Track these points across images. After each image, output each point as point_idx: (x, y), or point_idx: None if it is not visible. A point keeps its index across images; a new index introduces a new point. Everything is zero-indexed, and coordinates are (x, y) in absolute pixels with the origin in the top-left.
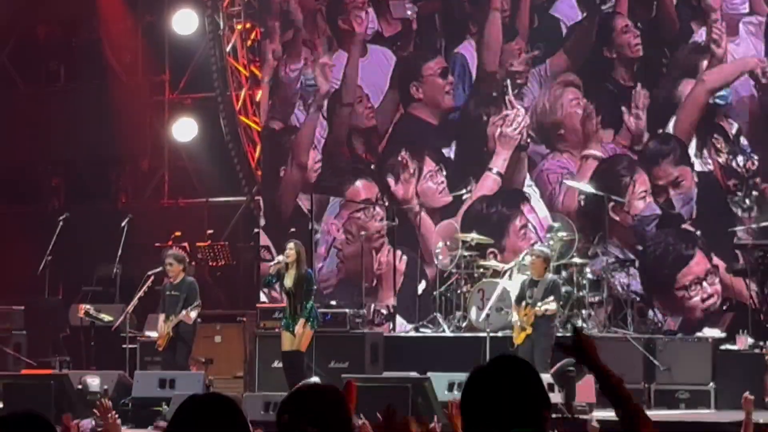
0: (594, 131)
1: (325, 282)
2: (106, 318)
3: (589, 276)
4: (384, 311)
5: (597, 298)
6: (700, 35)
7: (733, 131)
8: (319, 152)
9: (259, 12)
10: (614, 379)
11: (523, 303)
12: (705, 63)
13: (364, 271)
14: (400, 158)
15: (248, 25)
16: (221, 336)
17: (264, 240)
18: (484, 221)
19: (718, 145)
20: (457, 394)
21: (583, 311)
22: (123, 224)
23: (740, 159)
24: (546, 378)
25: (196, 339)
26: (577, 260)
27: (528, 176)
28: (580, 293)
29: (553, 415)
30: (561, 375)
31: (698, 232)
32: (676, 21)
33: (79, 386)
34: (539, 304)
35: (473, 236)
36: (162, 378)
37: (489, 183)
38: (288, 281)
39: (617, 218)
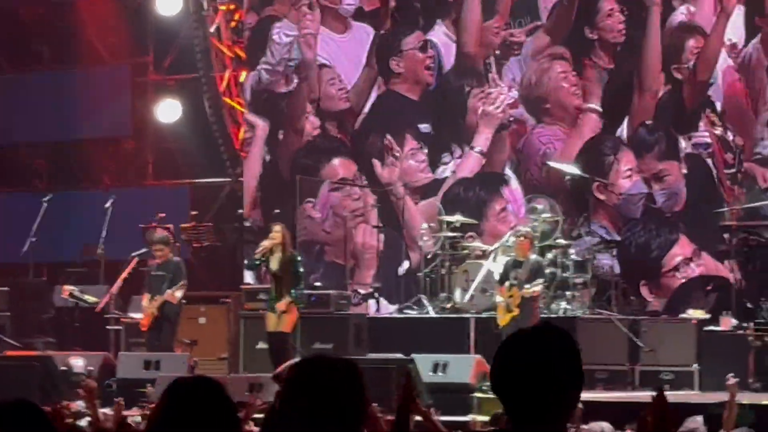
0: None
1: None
2: (91, 299)
3: (573, 257)
4: (362, 291)
5: (581, 280)
6: (681, 13)
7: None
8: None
9: None
10: None
11: (507, 284)
12: (692, 42)
13: (346, 251)
14: (386, 142)
15: (232, 6)
16: (206, 317)
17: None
18: (463, 204)
19: (713, 119)
20: (441, 375)
21: (567, 293)
22: (107, 205)
23: (729, 134)
24: None
25: (180, 320)
26: (561, 241)
27: (508, 164)
28: (564, 274)
29: None
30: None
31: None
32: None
33: (64, 368)
34: (527, 285)
35: (458, 218)
36: (147, 359)
37: (471, 162)
38: (274, 264)
39: (602, 197)
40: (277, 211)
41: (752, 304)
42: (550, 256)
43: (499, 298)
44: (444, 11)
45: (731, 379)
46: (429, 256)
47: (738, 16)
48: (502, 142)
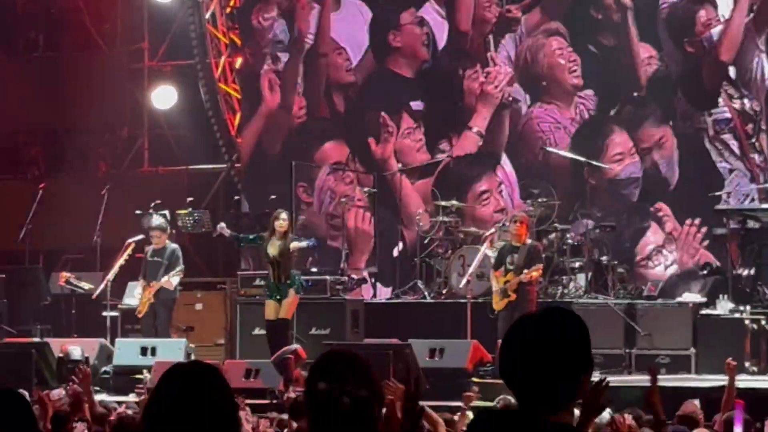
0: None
1: None
2: (87, 286)
3: (570, 242)
4: (355, 276)
5: (577, 264)
6: None
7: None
8: (304, 99)
9: None
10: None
11: (503, 269)
12: (702, 13)
13: (343, 236)
14: (381, 119)
15: None
16: (202, 303)
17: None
18: (451, 185)
19: (730, 91)
20: (437, 360)
21: (564, 277)
22: (103, 192)
23: (746, 102)
24: None
25: (176, 307)
26: (557, 225)
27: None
28: (561, 259)
29: None
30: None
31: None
32: None
33: (61, 354)
34: (526, 270)
35: (453, 202)
36: (143, 346)
37: (469, 142)
38: (272, 250)
39: (593, 182)
40: (273, 197)
41: (749, 287)
42: (546, 240)
43: (494, 283)
44: None
45: (731, 362)
46: (426, 241)
47: None
48: (502, 124)
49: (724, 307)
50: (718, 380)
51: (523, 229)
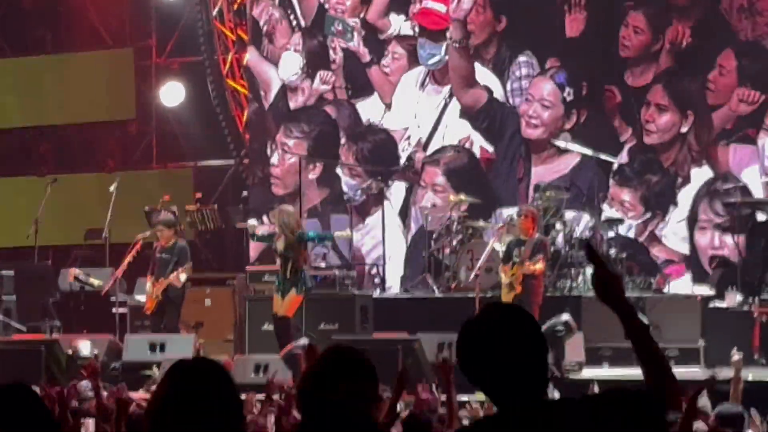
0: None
1: None
2: (96, 282)
3: (578, 235)
4: (374, 271)
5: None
6: None
7: None
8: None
9: None
10: (639, 322)
11: (510, 262)
12: None
13: (352, 231)
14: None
15: None
16: (211, 299)
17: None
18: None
19: None
20: (446, 354)
21: (572, 270)
22: (111, 189)
23: None
24: None
25: (184, 303)
26: (566, 219)
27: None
28: (570, 252)
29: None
30: (550, 334)
31: None
32: None
33: (70, 351)
34: (527, 263)
35: (462, 197)
36: (152, 342)
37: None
38: (280, 245)
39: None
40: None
41: (757, 280)
42: (554, 233)
43: (503, 278)
44: None
45: (736, 355)
46: (435, 236)
47: None
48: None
49: (732, 299)
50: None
51: (529, 222)
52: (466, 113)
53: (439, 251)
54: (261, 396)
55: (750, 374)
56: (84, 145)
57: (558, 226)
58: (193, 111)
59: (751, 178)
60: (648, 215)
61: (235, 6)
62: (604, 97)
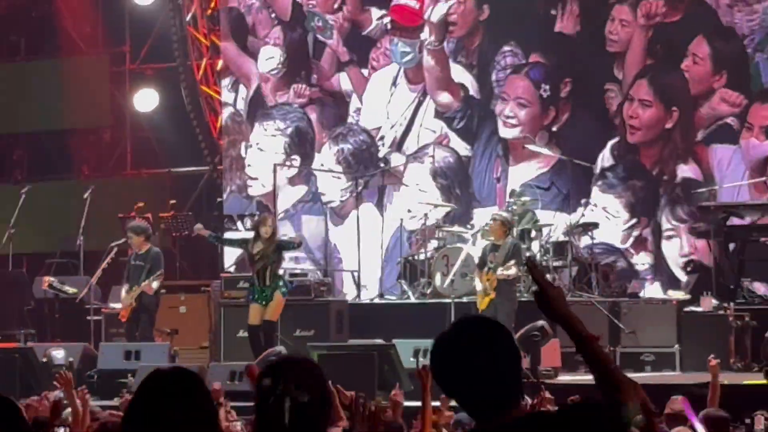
0: None
1: None
2: (71, 290)
3: (553, 239)
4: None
5: (561, 262)
6: None
7: None
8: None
9: None
10: (586, 334)
11: (486, 268)
12: None
13: (327, 234)
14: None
15: None
16: (186, 306)
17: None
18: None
19: None
20: (423, 360)
21: (548, 275)
22: (86, 196)
23: None
24: None
25: (159, 310)
26: (541, 224)
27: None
28: (545, 257)
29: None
30: (526, 340)
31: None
32: None
33: (44, 359)
34: (500, 268)
35: (436, 202)
36: (127, 350)
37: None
38: (257, 253)
39: None
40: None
41: (732, 284)
42: (528, 241)
43: (478, 283)
44: None
45: (713, 360)
46: (409, 240)
47: None
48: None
49: (708, 303)
50: (703, 377)
51: (499, 226)
52: (441, 114)
53: (414, 257)
54: (234, 403)
55: (726, 379)
56: (58, 151)
57: (533, 232)
58: (167, 117)
59: (732, 179)
60: (634, 221)
61: (209, 11)
62: (592, 95)
